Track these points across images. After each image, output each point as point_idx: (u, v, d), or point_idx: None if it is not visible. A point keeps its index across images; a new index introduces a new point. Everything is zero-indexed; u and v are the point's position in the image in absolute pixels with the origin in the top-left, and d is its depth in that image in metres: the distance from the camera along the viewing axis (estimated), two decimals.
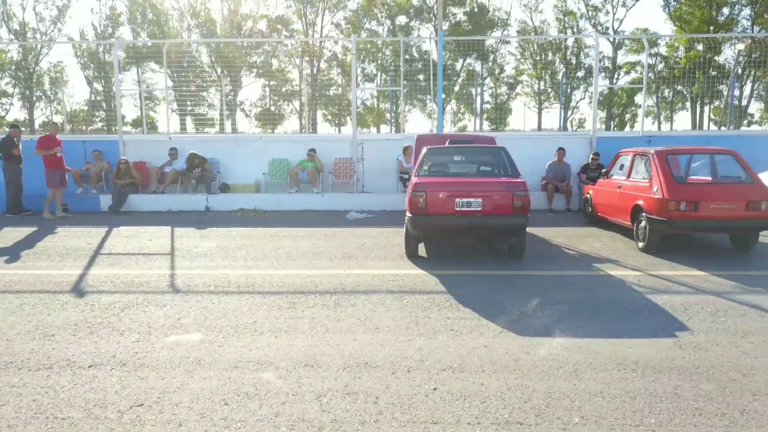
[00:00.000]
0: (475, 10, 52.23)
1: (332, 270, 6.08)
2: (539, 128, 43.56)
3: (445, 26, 51.86)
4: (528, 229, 8.45)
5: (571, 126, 48.72)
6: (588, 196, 8.79)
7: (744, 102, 44.24)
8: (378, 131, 45.11)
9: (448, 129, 43.58)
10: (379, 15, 54.11)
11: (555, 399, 3.11)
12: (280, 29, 51.26)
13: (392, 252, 6.94)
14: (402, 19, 53.97)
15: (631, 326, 4.31)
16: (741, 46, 27.25)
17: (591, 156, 10.28)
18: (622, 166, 7.73)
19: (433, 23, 51.98)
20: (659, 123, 48.36)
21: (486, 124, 47.19)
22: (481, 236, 6.40)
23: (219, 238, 8.06)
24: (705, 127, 42.41)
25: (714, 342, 3.94)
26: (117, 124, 11.64)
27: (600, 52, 48.65)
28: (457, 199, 5.79)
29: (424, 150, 6.69)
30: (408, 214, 6.00)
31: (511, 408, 3.01)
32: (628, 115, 52.72)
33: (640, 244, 6.84)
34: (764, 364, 3.57)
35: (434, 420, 2.90)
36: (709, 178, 7.01)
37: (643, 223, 6.71)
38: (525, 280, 5.71)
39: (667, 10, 47.53)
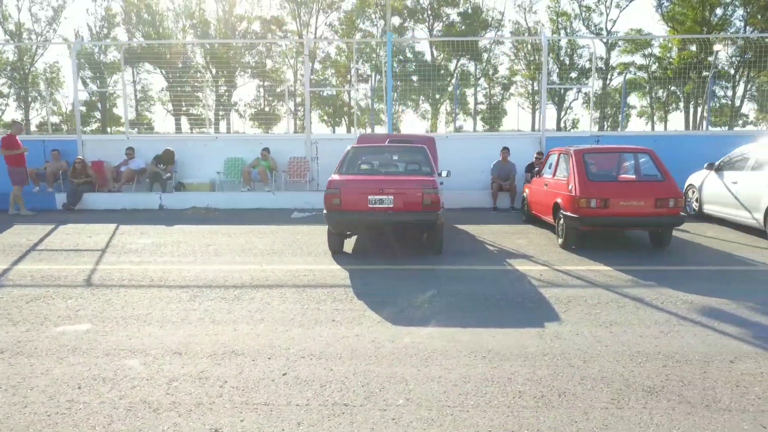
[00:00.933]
0: (469, 11, 52.31)
1: (251, 265, 6.25)
2: (533, 128, 43.73)
3: (439, 27, 52.07)
4: (463, 226, 8.71)
5: (565, 126, 48.93)
6: (525, 194, 8.98)
7: (738, 102, 44.37)
8: (372, 131, 45.18)
9: (442, 129, 43.84)
10: (373, 16, 54.25)
11: (392, 383, 3.28)
12: (275, 30, 51.37)
13: (320, 248, 7.11)
14: (396, 20, 54.03)
15: (509, 317, 4.49)
16: (718, 47, 27.33)
17: (535, 155, 10.48)
18: (551, 165, 7.92)
19: (427, 24, 52.20)
20: (653, 123, 48.59)
21: (480, 125, 47.49)
22: (395, 232, 6.56)
23: (159, 235, 8.23)
24: (699, 127, 42.52)
25: (576, 332, 4.12)
26: (81, 124, 11.79)
27: (592, 53, 48.66)
28: (370, 196, 5.97)
29: (347, 149, 6.88)
30: (324, 210, 6.18)
31: (345, 391, 3.18)
32: (620, 115, 52.86)
33: (560, 241, 7.03)
34: (611, 351, 3.74)
35: (267, 402, 3.07)
36: (633, 176, 7.21)
37: (561, 220, 6.89)
38: (433, 273, 5.89)
39: (659, 10, 47.58)
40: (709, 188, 8.53)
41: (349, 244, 7.31)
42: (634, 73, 49.64)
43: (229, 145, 11.74)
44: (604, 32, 49.05)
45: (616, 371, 3.43)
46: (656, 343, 3.89)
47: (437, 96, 49.00)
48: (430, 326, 4.27)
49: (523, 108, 50.88)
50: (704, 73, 38.90)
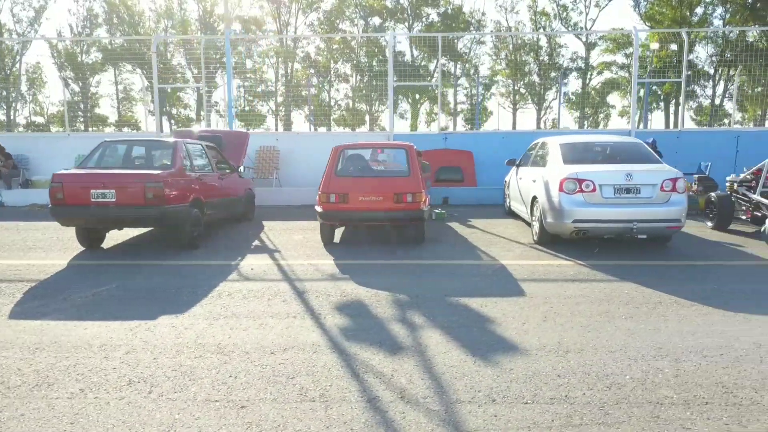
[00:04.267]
0: (449, 11, 52.42)
1: None
2: (514, 128, 43.70)
3: (419, 27, 52.10)
4: (271, 222, 8.73)
5: (544, 126, 48.96)
6: None
7: (717, 101, 44.49)
8: (353, 131, 45.11)
9: (423, 129, 43.74)
10: (353, 16, 54.36)
11: None
12: (254, 30, 51.27)
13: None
14: (376, 20, 54.10)
15: (147, 311, 4.42)
16: (655, 46, 27.48)
17: None
18: None
19: (407, 24, 52.16)
20: (634, 122, 48.42)
21: (461, 124, 47.45)
22: (119, 226, 6.60)
23: None
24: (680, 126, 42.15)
25: (172, 324, 4.08)
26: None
27: (574, 52, 48.53)
28: (92, 191, 5.95)
29: (97, 145, 6.85)
30: (49, 204, 6.16)
31: None
32: (602, 115, 52.95)
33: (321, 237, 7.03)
34: (173, 344, 3.70)
35: None
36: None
37: None
38: (152, 269, 5.86)
39: (637, 10, 47.53)
40: (511, 185, 8.53)
41: (117, 239, 7.33)
42: (616, 72, 49.63)
43: (82, 143, 11.67)
44: (584, 31, 49.17)
45: (140, 361, 3.42)
46: (235, 334, 3.87)
47: (417, 96, 49.02)
48: (44, 319, 4.24)
49: (503, 108, 50.92)
50: (687, 73, 38.96)
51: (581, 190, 5.97)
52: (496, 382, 3.12)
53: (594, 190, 5.93)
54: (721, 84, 43.61)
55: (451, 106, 48.84)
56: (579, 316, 4.23)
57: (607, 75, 49.20)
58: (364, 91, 48.59)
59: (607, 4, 52.93)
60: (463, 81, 50.17)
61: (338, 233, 7.72)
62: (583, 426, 2.66)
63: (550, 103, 52.07)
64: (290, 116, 43.17)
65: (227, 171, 8.08)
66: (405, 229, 7.20)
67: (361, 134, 13.99)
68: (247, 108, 46.37)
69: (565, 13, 51.16)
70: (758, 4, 41.76)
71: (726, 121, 42.69)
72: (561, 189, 6.08)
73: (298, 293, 4.87)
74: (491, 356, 3.48)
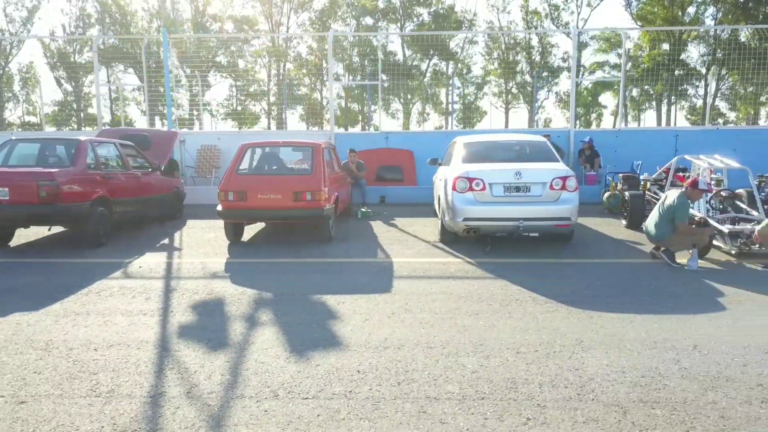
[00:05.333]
0: (441, 11, 52.38)
1: None
2: (506, 127, 43.67)
3: (410, 26, 52.09)
4: (197, 221, 8.73)
5: (536, 125, 48.88)
6: None
7: (710, 101, 44.58)
8: (345, 130, 45.12)
9: (413, 128, 43.86)
10: (345, 16, 54.33)
11: None
12: (247, 30, 51.09)
13: None
14: (368, 20, 54.04)
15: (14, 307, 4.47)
16: (630, 45, 27.57)
17: None
18: None
19: (399, 24, 52.15)
20: (626, 122, 48.54)
21: (454, 124, 47.43)
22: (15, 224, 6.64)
23: None
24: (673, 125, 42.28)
25: (18, 322, 4.10)
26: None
27: (565, 52, 48.48)
28: None
29: (3, 143, 6.87)
30: None
31: None
32: (594, 114, 52.93)
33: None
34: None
35: None
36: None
37: None
38: (42, 267, 5.89)
39: (629, 10, 47.49)
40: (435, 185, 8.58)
41: (29, 237, 7.34)
42: (608, 72, 49.64)
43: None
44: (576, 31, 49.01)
45: None
46: (73, 331, 3.89)
47: (408, 96, 49.04)
48: None
49: (496, 107, 50.91)
50: (676, 72, 39.09)
51: (472, 189, 6.00)
52: (293, 378, 3.15)
53: (484, 188, 5.97)
54: (713, 84, 43.70)
55: (444, 105, 48.89)
56: (426, 312, 4.26)
57: (598, 75, 49.22)
58: (356, 91, 48.69)
59: (598, 4, 52.70)
60: (455, 80, 50.17)
61: (252, 231, 7.76)
62: (345, 420, 2.69)
63: (542, 102, 52.08)
64: (282, 116, 43.18)
65: (149, 170, 8.09)
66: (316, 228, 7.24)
67: (299, 133, 14.01)
68: (239, 107, 46.47)
69: (556, 13, 51.11)
70: (750, 4, 41.81)
71: (720, 120, 42.81)
72: (454, 188, 6.12)
73: (167, 291, 4.90)
74: (308, 353, 3.51)
